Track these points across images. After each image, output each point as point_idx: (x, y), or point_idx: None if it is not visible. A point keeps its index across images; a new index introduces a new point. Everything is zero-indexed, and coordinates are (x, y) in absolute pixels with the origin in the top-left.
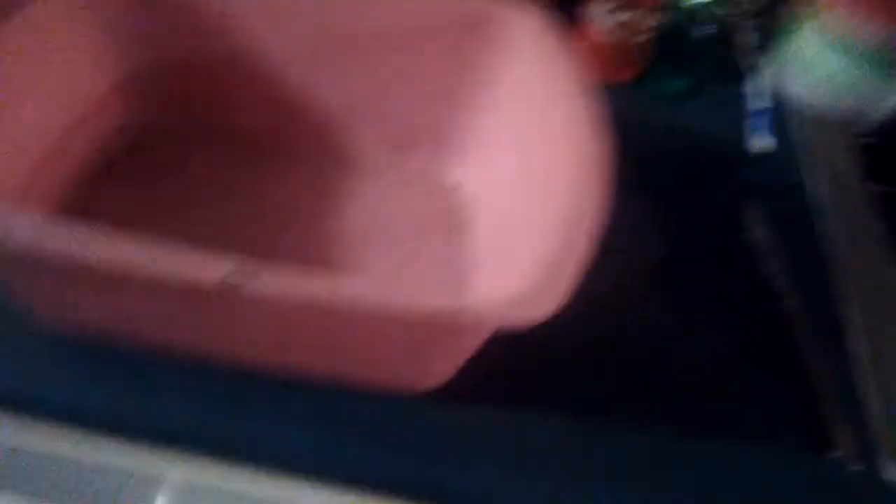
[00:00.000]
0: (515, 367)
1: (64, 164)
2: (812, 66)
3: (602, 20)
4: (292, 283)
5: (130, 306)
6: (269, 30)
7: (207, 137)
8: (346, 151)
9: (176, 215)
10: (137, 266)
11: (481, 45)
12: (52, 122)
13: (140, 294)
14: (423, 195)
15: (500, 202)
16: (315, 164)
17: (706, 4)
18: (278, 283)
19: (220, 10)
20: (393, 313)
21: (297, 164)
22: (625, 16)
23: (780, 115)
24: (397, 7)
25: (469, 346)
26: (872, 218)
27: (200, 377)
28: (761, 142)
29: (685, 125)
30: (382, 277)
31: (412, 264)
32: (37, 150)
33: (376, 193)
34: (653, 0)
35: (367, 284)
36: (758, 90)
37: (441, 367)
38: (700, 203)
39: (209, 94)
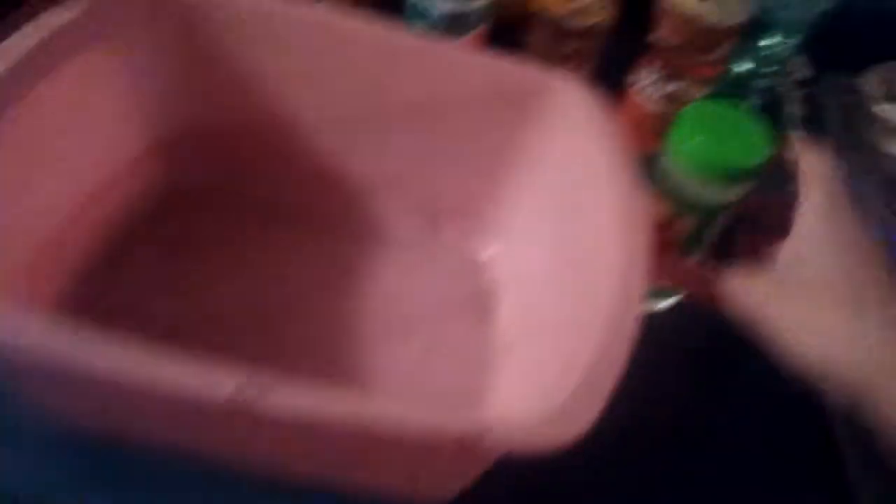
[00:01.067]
0: (531, 481)
1: (79, 236)
2: None
3: (648, 90)
4: (307, 401)
5: (138, 415)
6: (302, 97)
7: (225, 205)
8: (372, 224)
9: (188, 294)
10: (139, 380)
11: (523, 117)
12: (74, 189)
13: (146, 405)
14: (450, 274)
15: (532, 288)
16: (338, 238)
17: (754, 74)
18: (291, 400)
19: (254, 76)
20: (413, 436)
21: (320, 236)
22: (671, 86)
23: None
24: (436, 76)
25: (486, 464)
26: None
27: (206, 486)
28: None
29: None
30: (401, 399)
31: (435, 353)
32: (52, 221)
33: (401, 271)
34: (702, 70)
35: (386, 405)
36: None
37: (452, 483)
38: None
39: (234, 160)
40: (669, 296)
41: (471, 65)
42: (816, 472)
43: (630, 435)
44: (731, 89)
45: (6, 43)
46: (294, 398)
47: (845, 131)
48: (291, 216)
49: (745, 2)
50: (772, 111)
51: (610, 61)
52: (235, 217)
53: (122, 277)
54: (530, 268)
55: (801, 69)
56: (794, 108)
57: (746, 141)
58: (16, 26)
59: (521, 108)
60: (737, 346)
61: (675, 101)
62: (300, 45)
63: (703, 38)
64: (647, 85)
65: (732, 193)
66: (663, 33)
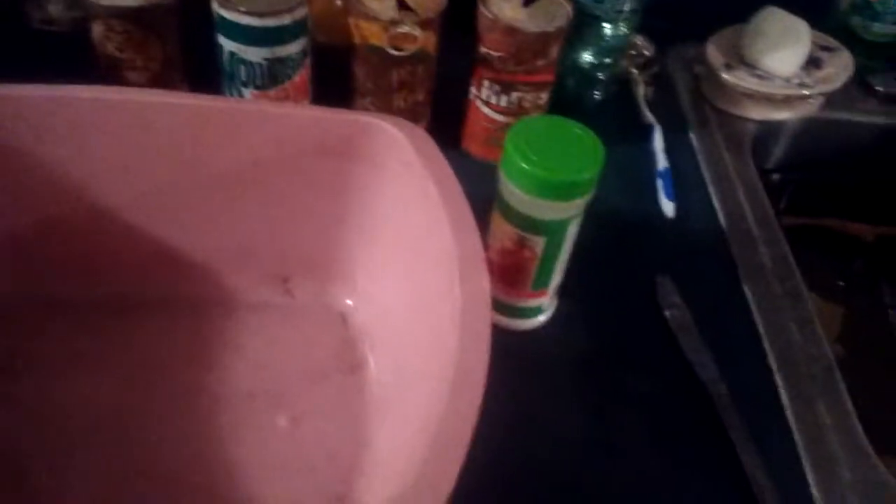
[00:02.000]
0: None
1: None
2: None
3: (489, 101)
4: None
5: None
6: (125, 182)
7: (68, 308)
8: (226, 294)
9: (34, 413)
10: None
11: (352, 165)
12: None
13: None
14: (313, 333)
15: (395, 336)
16: (193, 317)
17: (596, 65)
18: None
19: (66, 171)
20: None
21: (173, 319)
22: (512, 95)
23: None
24: (253, 138)
25: None
26: (790, 271)
27: None
28: (665, 206)
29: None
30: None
31: (309, 417)
32: None
33: (264, 337)
34: (536, 76)
35: None
36: (658, 148)
37: None
38: (614, 281)
39: (66, 261)
40: (536, 314)
41: (288, 120)
42: (710, 461)
43: (521, 450)
44: (577, 84)
45: None
46: None
47: (695, 100)
48: (140, 303)
49: (561, 5)
50: (623, 97)
51: (454, 74)
52: (78, 318)
53: None
54: (390, 315)
55: (644, 49)
56: (641, 90)
57: (577, 154)
58: None
59: (349, 156)
60: (612, 355)
61: (518, 109)
62: (100, 128)
63: (528, 46)
64: (487, 97)
65: (573, 208)
66: (489, 45)
